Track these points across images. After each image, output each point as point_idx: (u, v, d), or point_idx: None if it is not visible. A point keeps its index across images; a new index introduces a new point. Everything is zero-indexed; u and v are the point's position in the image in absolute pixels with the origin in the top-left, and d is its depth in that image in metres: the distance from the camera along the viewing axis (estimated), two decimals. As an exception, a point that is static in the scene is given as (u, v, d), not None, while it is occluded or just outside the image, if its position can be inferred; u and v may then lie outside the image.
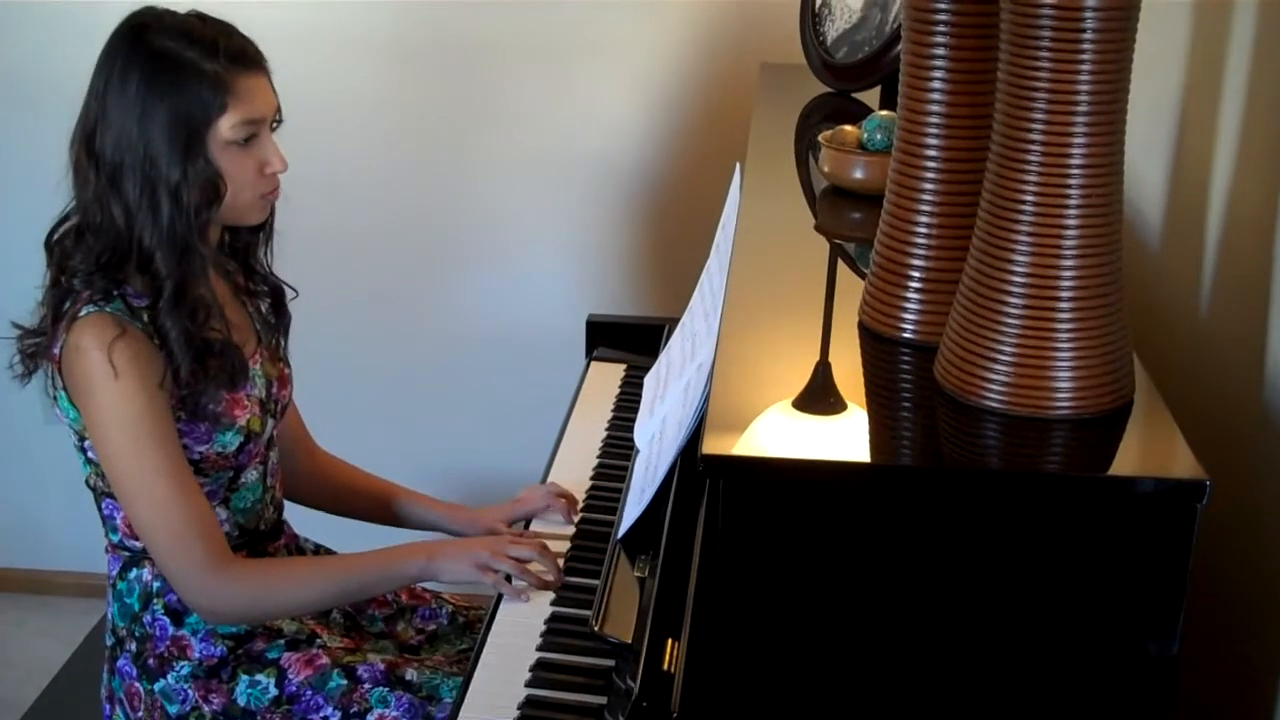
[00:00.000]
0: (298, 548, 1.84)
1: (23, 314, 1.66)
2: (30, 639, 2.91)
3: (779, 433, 1.18)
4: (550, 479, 1.92)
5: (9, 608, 3.02)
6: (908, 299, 1.29)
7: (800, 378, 1.27)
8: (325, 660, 1.65)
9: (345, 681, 1.63)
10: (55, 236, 1.62)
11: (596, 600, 1.53)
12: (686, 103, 2.66)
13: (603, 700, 1.46)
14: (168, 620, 1.65)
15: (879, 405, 1.24)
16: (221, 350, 1.60)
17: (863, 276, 1.38)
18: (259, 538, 1.74)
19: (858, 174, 1.73)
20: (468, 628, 1.86)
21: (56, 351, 1.57)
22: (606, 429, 2.06)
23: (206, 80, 1.53)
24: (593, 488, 1.91)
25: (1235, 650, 1.37)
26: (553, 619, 1.61)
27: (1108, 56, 1.08)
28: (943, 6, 1.22)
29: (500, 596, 1.65)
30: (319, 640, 1.70)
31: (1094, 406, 1.15)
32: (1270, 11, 1.32)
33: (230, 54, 1.55)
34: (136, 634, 1.67)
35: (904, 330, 1.29)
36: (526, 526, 1.84)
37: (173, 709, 1.64)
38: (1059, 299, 1.12)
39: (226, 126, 1.55)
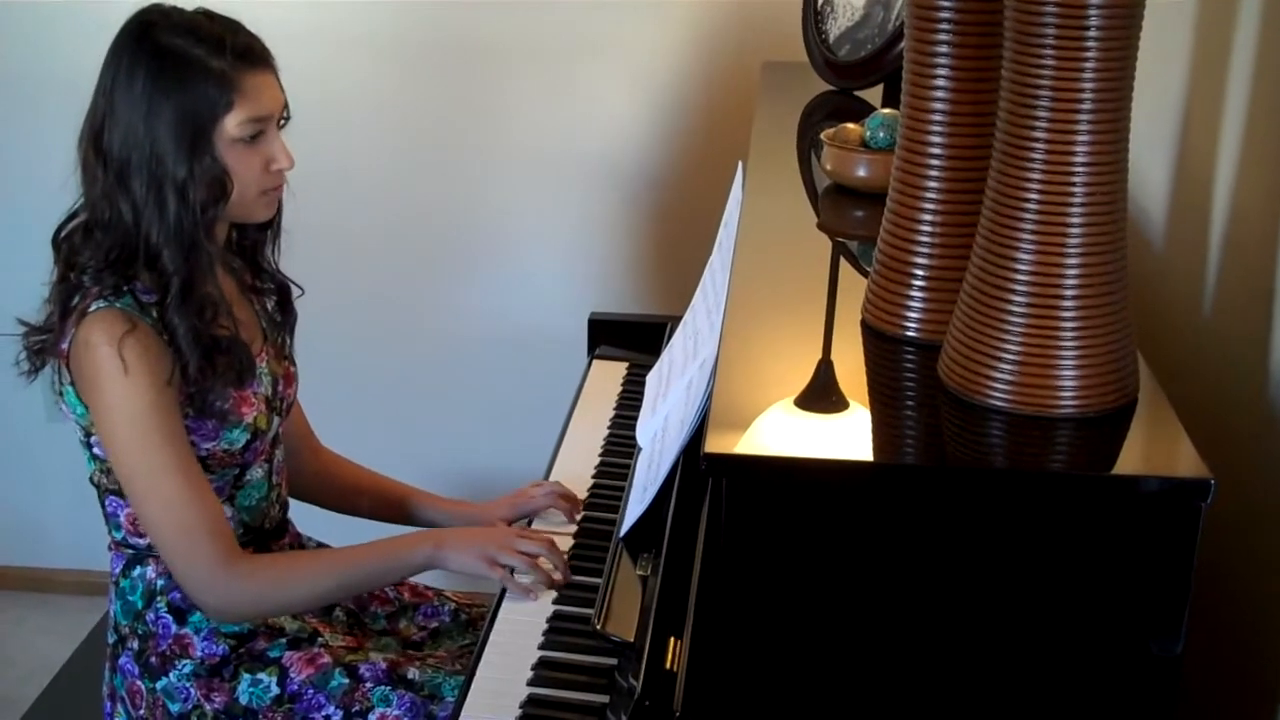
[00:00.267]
0: (300, 546, 1.84)
1: (25, 312, 1.66)
2: (31, 637, 2.91)
3: (782, 431, 1.18)
4: (552, 477, 1.91)
5: (10, 606, 3.02)
6: (911, 297, 1.29)
7: (803, 376, 1.26)
8: (327, 659, 1.65)
9: (347, 680, 1.63)
10: (63, 233, 1.62)
11: (599, 599, 1.53)
12: (688, 101, 2.66)
13: (605, 699, 1.46)
14: (170, 619, 1.65)
15: (882, 404, 1.24)
16: (229, 347, 1.61)
17: (865, 275, 1.37)
18: (263, 536, 1.74)
19: (860, 172, 1.72)
20: (470, 625, 1.86)
21: (65, 347, 1.57)
22: (608, 427, 2.06)
23: (213, 77, 1.53)
24: (595, 486, 1.91)
25: (1239, 649, 1.36)
26: (555, 617, 1.61)
27: (1112, 54, 1.08)
28: (946, 4, 1.22)
29: (502, 594, 1.65)
30: (321, 639, 1.69)
31: (1098, 405, 1.15)
32: (1274, 9, 1.32)
33: (237, 51, 1.55)
34: (139, 632, 1.67)
35: (907, 328, 1.29)
36: (529, 525, 1.84)
37: (174, 707, 1.64)
38: (1063, 297, 1.12)
39: (233, 124, 1.55)
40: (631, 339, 2.28)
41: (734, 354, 1.34)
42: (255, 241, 1.73)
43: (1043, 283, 1.12)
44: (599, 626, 1.49)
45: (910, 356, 1.29)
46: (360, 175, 2.72)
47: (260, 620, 1.65)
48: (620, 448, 1.98)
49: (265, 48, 1.60)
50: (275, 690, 1.63)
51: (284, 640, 1.67)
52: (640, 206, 2.74)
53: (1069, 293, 1.12)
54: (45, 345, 1.61)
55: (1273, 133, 1.32)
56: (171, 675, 1.64)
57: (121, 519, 1.66)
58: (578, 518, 1.83)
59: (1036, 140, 1.10)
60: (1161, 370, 1.25)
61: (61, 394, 1.61)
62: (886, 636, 1.14)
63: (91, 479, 1.67)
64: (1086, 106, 1.09)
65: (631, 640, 1.44)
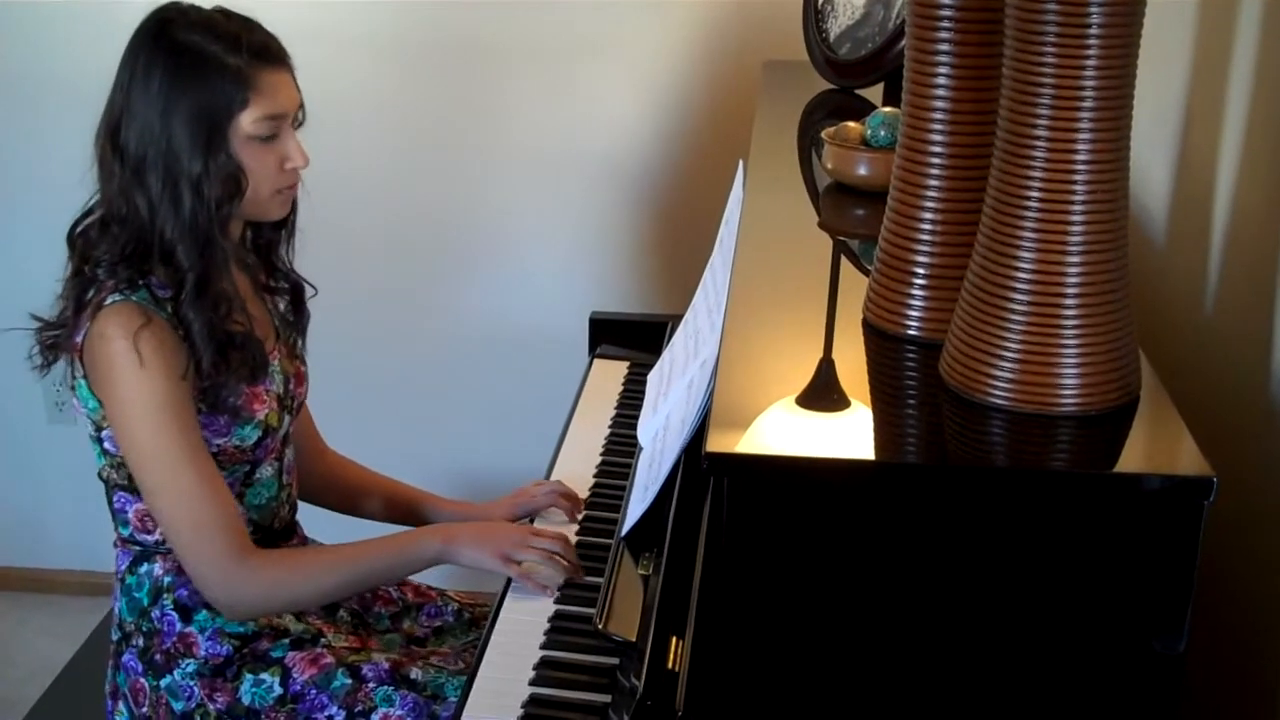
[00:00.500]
0: (305, 548, 1.84)
1: (33, 308, 1.66)
2: (33, 638, 2.91)
3: (783, 430, 1.18)
4: (553, 476, 1.91)
5: (11, 607, 3.02)
6: (912, 295, 1.28)
7: (804, 375, 1.26)
8: (330, 659, 1.65)
9: (350, 681, 1.63)
10: (78, 229, 1.63)
11: (600, 598, 1.53)
12: (689, 100, 2.66)
13: (607, 699, 1.45)
14: (176, 616, 1.65)
15: (883, 402, 1.24)
16: (243, 343, 1.61)
17: (866, 273, 1.37)
18: (272, 535, 1.74)
19: (861, 170, 1.72)
20: (473, 623, 1.86)
21: (79, 340, 1.57)
22: (610, 426, 2.06)
23: (229, 75, 1.54)
24: (596, 485, 1.91)
25: (1242, 647, 1.36)
26: (557, 617, 1.61)
27: (1113, 52, 1.08)
28: (947, 2, 1.22)
29: (503, 594, 1.65)
30: (324, 639, 1.69)
31: (1100, 403, 1.14)
32: (1276, 7, 1.32)
33: (253, 49, 1.56)
34: (144, 629, 1.67)
35: (908, 327, 1.29)
36: (531, 523, 1.83)
37: (178, 706, 1.64)
38: (1064, 295, 1.12)
39: (248, 121, 1.56)
40: (632, 338, 2.28)
41: (735, 353, 1.34)
42: (270, 240, 1.73)
43: (1044, 281, 1.12)
44: (601, 626, 1.49)
45: (911, 355, 1.28)
46: (361, 175, 2.72)
47: (270, 615, 1.65)
48: (621, 447, 1.98)
49: (282, 46, 1.61)
50: (278, 690, 1.63)
51: (287, 640, 1.67)
52: (641, 205, 2.73)
53: (1070, 291, 1.12)
54: (58, 340, 1.62)
55: (1274, 130, 1.32)
56: (175, 673, 1.64)
57: (129, 515, 1.66)
58: (579, 517, 1.83)
59: (1038, 138, 1.10)
60: (1163, 368, 1.25)
61: (74, 388, 1.61)
62: (889, 635, 1.13)
63: (100, 474, 1.67)
64: (1088, 104, 1.08)
65: (633, 640, 1.44)
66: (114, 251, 1.57)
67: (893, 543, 1.11)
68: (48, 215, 2.50)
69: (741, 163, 1.84)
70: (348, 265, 2.75)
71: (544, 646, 1.56)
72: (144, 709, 1.67)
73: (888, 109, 1.74)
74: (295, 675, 1.64)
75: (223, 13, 1.60)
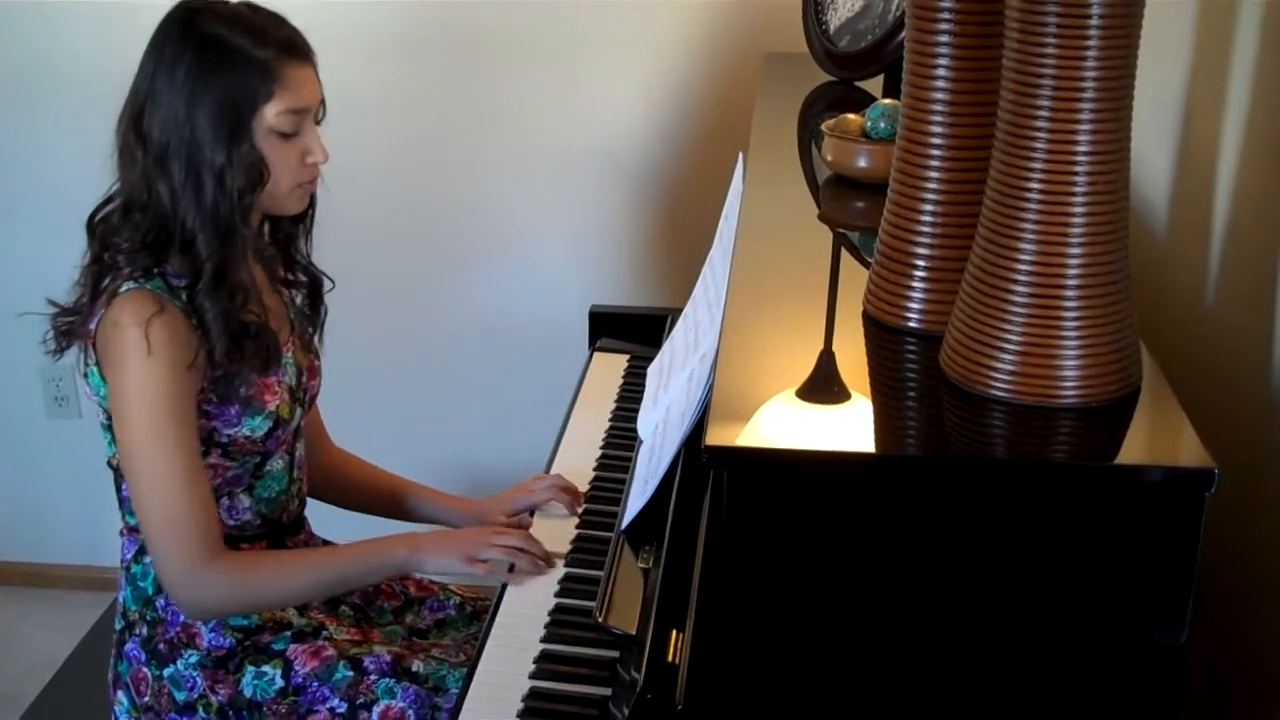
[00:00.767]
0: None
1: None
2: (33, 633, 2.91)
3: (783, 423, 1.18)
4: (553, 470, 1.91)
5: (12, 601, 3.02)
6: (912, 288, 1.28)
7: (804, 368, 1.26)
8: (331, 652, 1.65)
9: (351, 673, 1.63)
10: (98, 216, 1.63)
11: (600, 591, 1.52)
12: (689, 93, 2.65)
13: (607, 692, 1.45)
14: (177, 607, 1.65)
15: (883, 395, 1.24)
16: (258, 333, 1.62)
17: (867, 266, 1.37)
18: (280, 530, 1.75)
19: (861, 162, 1.72)
20: (475, 616, 1.86)
21: (92, 327, 1.58)
22: (610, 420, 2.06)
23: (255, 66, 1.55)
24: (596, 479, 1.90)
25: (1243, 638, 1.36)
26: (557, 610, 1.61)
27: (1114, 43, 1.08)
28: (947, -7, 1.21)
29: (504, 588, 1.65)
30: (325, 632, 1.69)
31: (1101, 395, 1.14)
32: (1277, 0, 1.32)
33: (280, 43, 1.57)
34: (148, 618, 1.67)
35: (909, 319, 1.29)
36: (533, 515, 1.83)
37: (180, 696, 1.64)
38: (1065, 287, 1.12)
39: (272, 114, 1.56)
40: (632, 331, 2.28)
41: (735, 346, 1.33)
42: (289, 234, 1.74)
43: (1045, 272, 1.12)
44: (601, 619, 1.48)
45: (912, 347, 1.28)
46: (363, 171, 2.72)
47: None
48: (621, 440, 1.98)
49: (307, 42, 1.62)
50: (280, 682, 1.63)
51: (289, 633, 1.67)
52: (641, 198, 2.73)
53: (1071, 282, 1.12)
54: (73, 326, 1.62)
55: (1275, 121, 1.32)
56: (178, 663, 1.65)
57: None
58: (579, 510, 1.83)
59: (1038, 130, 1.10)
60: (1164, 359, 1.25)
61: (86, 375, 1.62)
62: (889, 627, 1.13)
63: (110, 462, 1.67)
64: (1088, 95, 1.08)
65: (633, 633, 1.43)
66: (134, 239, 1.57)
67: (893, 535, 1.11)
68: (46, 213, 2.50)
69: (741, 155, 1.84)
70: (349, 260, 2.72)
71: (544, 640, 1.56)
72: (146, 698, 1.67)
73: (887, 101, 1.74)
74: (297, 667, 1.64)
75: (249, 7, 1.61)
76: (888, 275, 1.30)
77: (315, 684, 1.63)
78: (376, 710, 1.61)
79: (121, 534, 1.72)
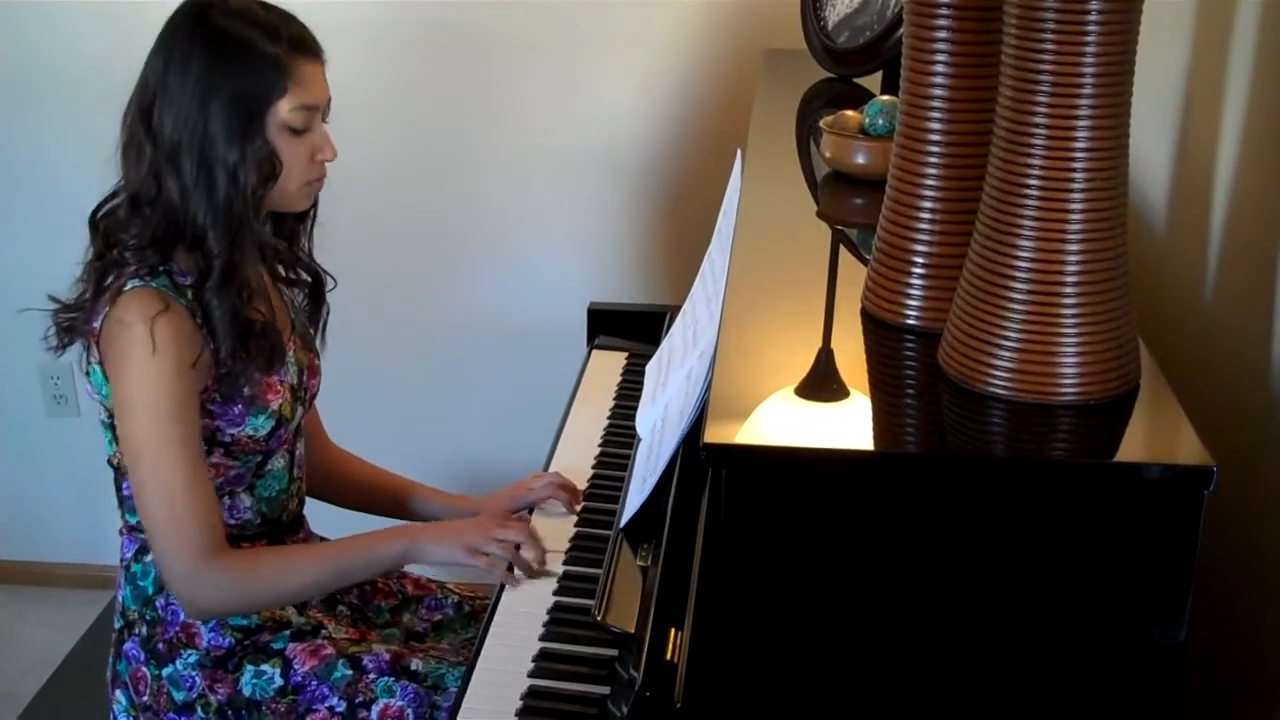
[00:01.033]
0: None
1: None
2: (32, 631, 2.91)
3: (781, 421, 1.17)
4: (552, 468, 1.91)
5: (10, 600, 3.02)
6: (911, 285, 1.28)
7: (803, 365, 1.26)
8: (330, 650, 1.65)
9: (350, 671, 1.63)
10: (102, 211, 1.63)
11: (599, 590, 1.52)
12: (688, 89, 2.65)
13: (606, 690, 1.45)
14: (180, 606, 1.65)
15: (882, 392, 1.23)
16: (263, 331, 1.62)
17: (865, 262, 1.37)
18: (279, 528, 1.75)
19: (859, 159, 1.72)
20: (473, 617, 1.86)
21: (96, 325, 1.57)
22: (608, 417, 2.06)
23: (269, 62, 1.55)
24: (594, 476, 1.90)
25: (1242, 637, 1.36)
26: (555, 608, 1.61)
27: (1113, 39, 1.07)
28: (945, -10, 1.21)
29: (503, 587, 1.65)
30: (324, 631, 1.69)
31: (1100, 392, 1.14)
32: (1276, -7, 1.31)
33: (292, 39, 1.58)
34: (148, 617, 1.67)
35: (907, 316, 1.29)
36: (532, 513, 1.83)
37: (179, 695, 1.64)
38: (1064, 284, 1.12)
39: (285, 110, 1.57)
40: (631, 329, 2.28)
41: (733, 343, 1.33)
42: (292, 232, 1.74)
43: (1043, 269, 1.12)
44: (599, 618, 1.48)
45: (910, 344, 1.28)
46: (363, 170, 2.70)
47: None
48: (620, 438, 1.98)
49: (316, 40, 1.62)
50: (279, 681, 1.63)
51: (288, 632, 1.67)
52: (639, 195, 2.73)
53: (1070, 279, 1.12)
54: (75, 323, 1.62)
55: (1274, 118, 1.32)
56: (177, 663, 1.65)
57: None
58: (578, 508, 1.83)
59: (1037, 126, 1.10)
60: (1163, 357, 1.24)
61: (88, 373, 1.62)
62: (888, 626, 1.13)
63: (110, 461, 1.67)
64: (1087, 92, 1.08)
65: (632, 631, 1.43)
66: (142, 235, 1.57)
67: (892, 533, 1.11)
68: (47, 209, 2.50)
69: (740, 152, 1.84)
70: (348, 259, 2.72)
71: (543, 638, 1.55)
72: (144, 697, 1.67)
73: (886, 97, 1.73)
74: (296, 666, 1.64)
75: (259, 3, 1.61)
76: (886, 272, 1.30)
77: (314, 683, 1.63)
78: (375, 709, 1.60)
79: (121, 533, 1.72)
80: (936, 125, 1.24)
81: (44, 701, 2.00)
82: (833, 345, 1.31)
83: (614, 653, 1.49)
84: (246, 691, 1.63)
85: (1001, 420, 1.14)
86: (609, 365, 2.22)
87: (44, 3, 2.66)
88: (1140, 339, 1.20)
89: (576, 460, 1.93)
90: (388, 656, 1.65)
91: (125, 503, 1.68)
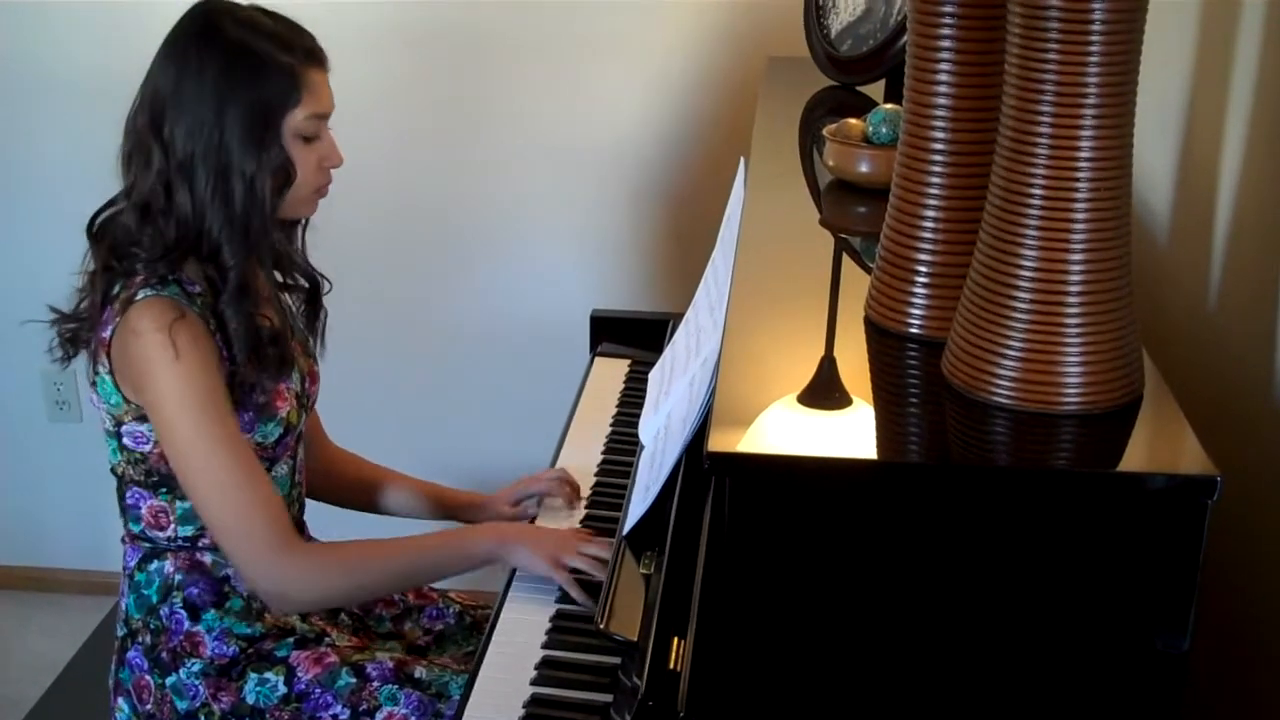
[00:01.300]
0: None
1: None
2: (34, 637, 2.91)
3: (785, 429, 1.17)
4: (555, 473, 1.91)
5: (12, 606, 3.02)
6: (914, 293, 1.28)
7: (806, 373, 1.26)
8: (334, 658, 1.65)
9: (354, 679, 1.63)
10: (100, 220, 1.63)
11: (602, 598, 1.52)
12: (691, 96, 2.65)
13: (608, 698, 1.45)
14: (184, 614, 1.65)
15: (885, 401, 1.23)
16: (274, 338, 1.62)
17: (868, 271, 1.37)
18: None
19: (863, 167, 1.72)
20: (475, 627, 1.86)
21: (107, 336, 1.57)
22: (611, 425, 2.06)
23: (284, 72, 1.56)
24: (597, 484, 1.90)
25: (1246, 646, 1.36)
26: (558, 616, 1.61)
27: (1117, 48, 1.07)
28: (949, -2, 1.21)
29: (505, 595, 1.65)
30: (328, 638, 1.69)
31: (1103, 402, 1.14)
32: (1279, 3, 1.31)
33: (303, 50, 1.59)
34: (152, 626, 1.67)
35: (910, 325, 1.28)
36: (534, 521, 1.83)
37: (182, 705, 1.64)
38: (1068, 293, 1.12)
39: (299, 119, 1.58)
40: (634, 336, 2.28)
41: (736, 351, 1.33)
42: (287, 236, 1.74)
43: (1047, 278, 1.12)
44: (602, 626, 1.48)
45: (914, 353, 1.28)
46: (365, 171, 2.70)
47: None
48: (623, 445, 1.98)
49: (322, 49, 1.63)
50: (283, 689, 1.63)
51: (292, 640, 1.67)
52: (643, 203, 2.73)
53: (1073, 289, 1.12)
54: (78, 333, 1.61)
55: (1277, 127, 1.32)
56: (181, 672, 1.64)
57: (142, 511, 1.66)
58: (579, 513, 1.83)
59: (1041, 135, 1.10)
60: (1166, 366, 1.24)
61: (94, 383, 1.61)
62: (891, 634, 1.13)
63: (114, 470, 1.67)
64: (1091, 101, 1.08)
65: (635, 639, 1.43)
66: (155, 246, 1.56)
67: (895, 542, 1.11)
68: (45, 217, 2.49)
69: (743, 160, 1.84)
70: (351, 261, 2.73)
71: (545, 646, 1.55)
72: (148, 706, 1.66)
73: (889, 106, 1.73)
74: (300, 674, 1.63)
75: (265, 12, 1.61)
76: (889, 281, 1.30)
77: (318, 690, 1.62)
78: (379, 716, 1.60)
79: (123, 540, 1.71)
80: (940, 134, 1.25)
81: (46, 708, 2.00)
82: (836, 354, 1.31)
83: (617, 661, 1.49)
84: (250, 700, 1.63)
85: (1005, 430, 1.14)
86: (612, 372, 2.22)
87: (41, 5, 2.66)
88: (1143, 348, 1.20)
89: (579, 467, 1.93)
90: (391, 664, 1.64)
91: (128, 511, 1.68)
